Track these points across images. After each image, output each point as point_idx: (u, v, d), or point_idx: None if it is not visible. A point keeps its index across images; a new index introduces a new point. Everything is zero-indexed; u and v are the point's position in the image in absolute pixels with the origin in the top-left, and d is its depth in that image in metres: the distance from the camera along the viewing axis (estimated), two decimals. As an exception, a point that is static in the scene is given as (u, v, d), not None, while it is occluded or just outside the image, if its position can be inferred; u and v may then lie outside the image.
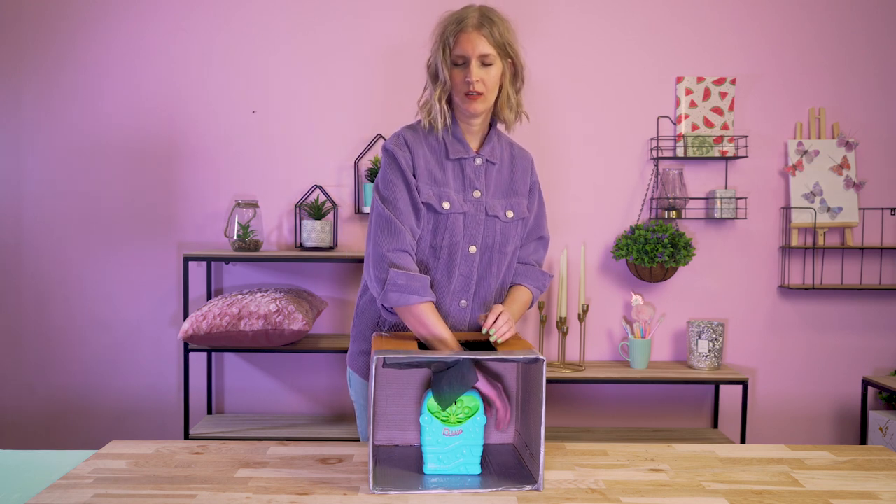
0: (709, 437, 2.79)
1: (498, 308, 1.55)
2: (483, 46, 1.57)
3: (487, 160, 1.67)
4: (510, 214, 1.67)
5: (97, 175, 2.88)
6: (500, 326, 1.51)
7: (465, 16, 1.59)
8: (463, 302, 1.66)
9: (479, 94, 1.59)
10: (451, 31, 1.58)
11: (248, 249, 2.74)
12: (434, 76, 1.64)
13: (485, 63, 1.58)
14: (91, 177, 2.88)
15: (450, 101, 1.66)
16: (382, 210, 1.58)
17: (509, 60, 1.63)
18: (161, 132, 2.88)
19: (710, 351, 2.73)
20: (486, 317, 1.54)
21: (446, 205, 1.61)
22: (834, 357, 2.94)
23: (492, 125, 1.70)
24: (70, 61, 2.86)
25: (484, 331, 1.52)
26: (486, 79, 1.58)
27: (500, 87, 1.63)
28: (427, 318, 1.54)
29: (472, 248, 1.64)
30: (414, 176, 1.61)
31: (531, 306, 1.78)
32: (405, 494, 1.35)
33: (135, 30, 2.85)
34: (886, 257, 2.91)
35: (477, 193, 1.64)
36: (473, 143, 1.68)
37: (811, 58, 2.88)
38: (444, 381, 1.44)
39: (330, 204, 2.83)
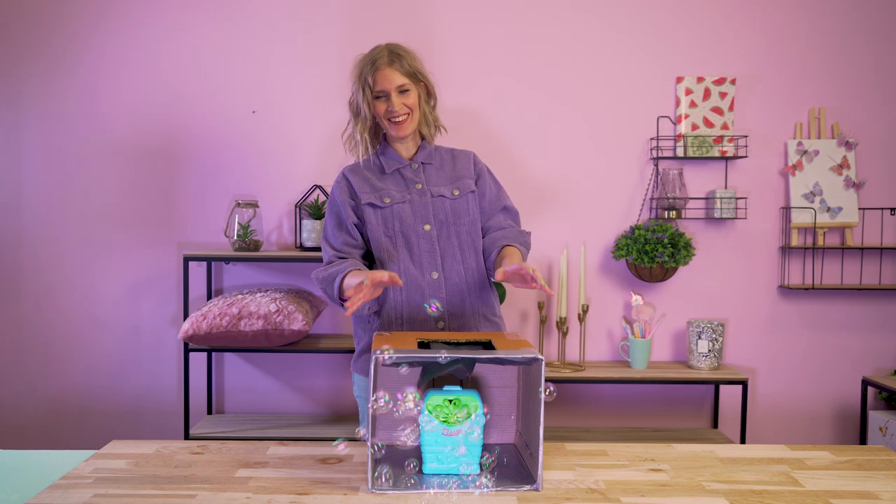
0: (709, 437, 2.79)
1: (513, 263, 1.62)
2: (398, 78, 1.82)
3: (423, 163, 1.90)
4: (456, 192, 1.87)
5: (97, 175, 2.88)
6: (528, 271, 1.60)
7: (376, 56, 1.83)
8: (434, 274, 1.81)
9: (404, 119, 1.83)
10: (368, 72, 1.82)
11: (248, 249, 2.74)
12: (356, 113, 1.88)
13: (402, 91, 1.82)
14: (91, 177, 2.88)
15: (375, 134, 1.91)
16: (322, 242, 1.89)
17: (422, 84, 1.87)
18: (161, 132, 2.88)
19: (710, 351, 2.73)
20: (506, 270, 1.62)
21: (387, 199, 1.84)
22: (834, 357, 2.94)
23: (423, 139, 1.93)
24: (69, 61, 2.86)
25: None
26: (406, 103, 1.83)
27: (419, 107, 1.87)
28: (352, 281, 1.68)
29: (427, 227, 1.83)
30: (355, 194, 1.86)
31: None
32: (404, 494, 1.35)
33: (134, 29, 2.85)
34: (886, 257, 2.91)
35: (419, 185, 1.87)
36: (408, 155, 1.91)
37: (811, 58, 2.88)
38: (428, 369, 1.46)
39: (330, 204, 2.83)
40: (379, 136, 1.92)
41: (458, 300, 1.82)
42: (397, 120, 1.83)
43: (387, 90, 1.81)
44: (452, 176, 1.89)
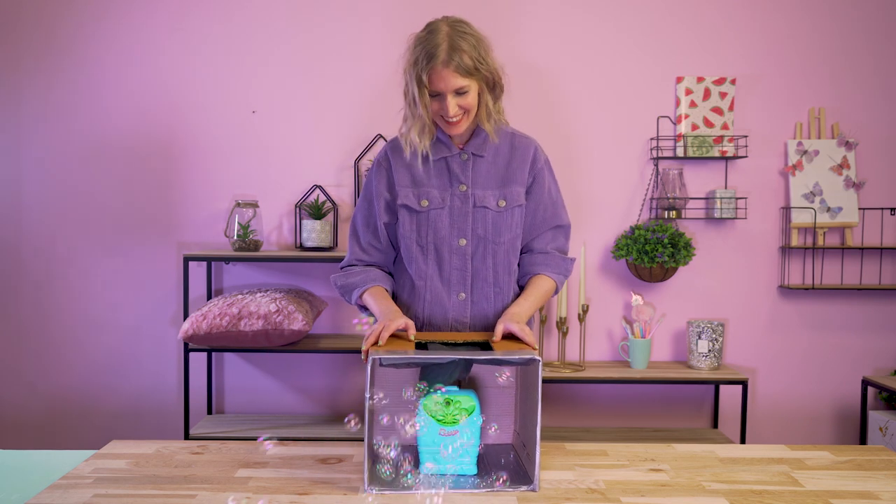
0: (709, 437, 2.79)
1: (499, 324, 1.56)
2: (455, 81, 1.58)
3: (473, 154, 1.70)
4: (502, 204, 1.69)
5: (97, 175, 2.88)
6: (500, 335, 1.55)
7: (434, 50, 1.57)
8: (461, 295, 1.70)
9: (459, 120, 1.63)
10: (423, 69, 1.58)
11: (248, 249, 2.74)
12: (412, 105, 1.64)
13: (459, 93, 1.60)
14: (91, 177, 2.88)
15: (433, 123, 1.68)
16: (349, 230, 1.80)
17: (484, 76, 1.63)
18: (161, 132, 2.88)
19: (710, 351, 2.73)
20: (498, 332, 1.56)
21: (424, 203, 1.68)
22: (834, 357, 2.94)
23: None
24: (70, 61, 2.86)
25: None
26: (463, 104, 1.61)
27: (479, 102, 1.64)
28: (370, 303, 1.67)
29: (462, 241, 1.68)
30: (392, 186, 1.71)
31: (557, 292, 1.79)
32: (402, 494, 1.35)
33: (134, 29, 2.85)
34: (886, 257, 2.91)
35: (463, 187, 1.68)
36: (460, 140, 1.71)
37: (811, 58, 2.88)
38: (431, 374, 1.45)
39: (330, 204, 2.83)
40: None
41: (483, 325, 1.71)
42: (451, 121, 1.63)
43: (442, 92, 1.59)
44: (504, 177, 1.70)
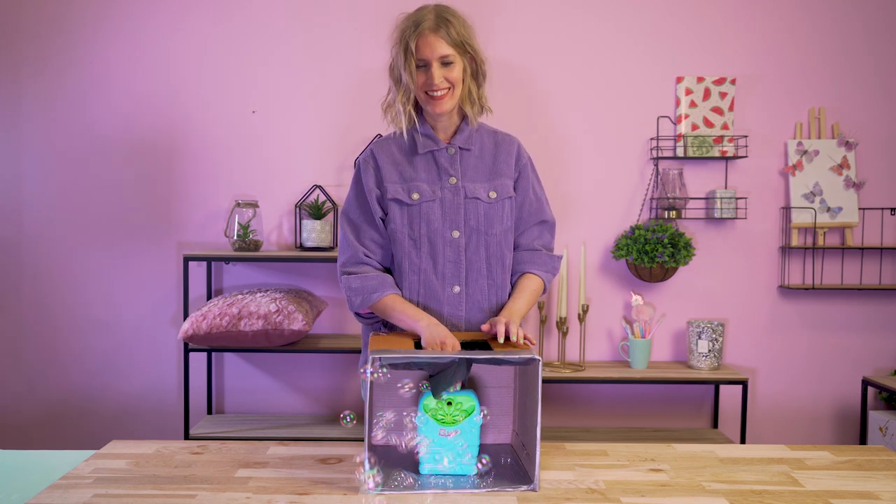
0: (709, 437, 2.79)
1: (501, 320, 1.55)
2: (442, 48, 1.62)
3: (461, 147, 1.71)
4: (493, 195, 1.70)
5: (97, 175, 2.88)
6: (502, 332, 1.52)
7: (421, 19, 1.64)
8: (456, 288, 1.68)
9: (443, 94, 1.64)
10: (410, 36, 1.63)
11: (248, 249, 2.74)
12: (397, 80, 1.70)
13: (445, 63, 1.63)
14: (91, 177, 2.88)
15: (415, 103, 1.72)
16: (342, 228, 1.74)
17: (469, 56, 1.67)
18: (161, 132, 2.88)
19: (710, 351, 2.73)
20: (493, 326, 1.55)
21: (415, 196, 1.67)
22: (834, 357, 2.94)
23: (465, 116, 1.74)
24: (70, 62, 2.86)
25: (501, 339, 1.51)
26: (448, 77, 1.64)
27: (462, 82, 1.68)
28: (395, 310, 1.63)
29: (455, 233, 1.68)
30: (381, 182, 1.69)
31: (545, 291, 1.79)
32: (402, 494, 1.35)
33: (134, 30, 2.85)
34: (886, 257, 2.91)
35: (453, 180, 1.69)
36: (445, 136, 1.73)
37: (811, 58, 2.88)
38: (438, 379, 1.45)
39: (330, 204, 2.83)
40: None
41: (479, 319, 1.69)
42: (435, 95, 1.64)
43: (428, 59, 1.62)
44: (492, 170, 1.71)
